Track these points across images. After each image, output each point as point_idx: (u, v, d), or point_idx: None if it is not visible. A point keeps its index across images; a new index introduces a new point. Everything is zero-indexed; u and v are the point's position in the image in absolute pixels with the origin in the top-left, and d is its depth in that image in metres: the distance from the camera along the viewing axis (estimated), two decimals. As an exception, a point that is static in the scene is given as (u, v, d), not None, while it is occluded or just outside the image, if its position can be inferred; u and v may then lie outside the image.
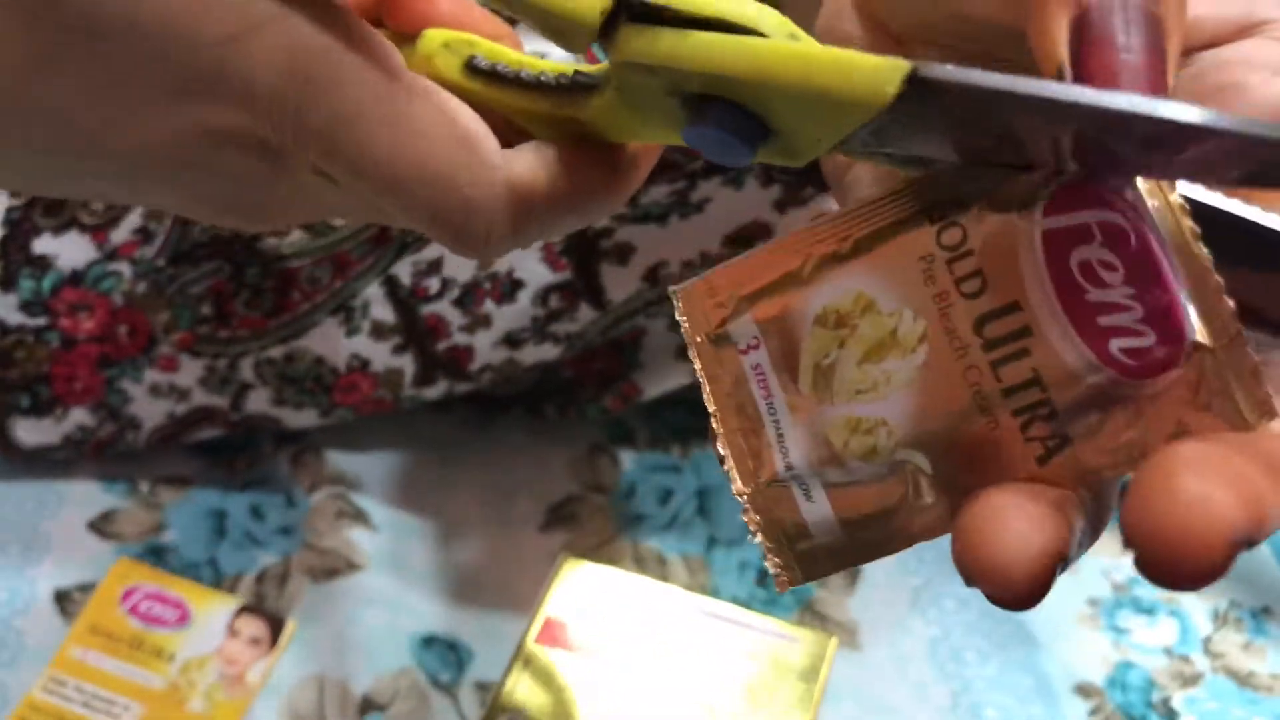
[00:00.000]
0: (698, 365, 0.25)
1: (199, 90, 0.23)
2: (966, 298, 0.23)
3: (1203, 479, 0.19)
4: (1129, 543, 0.20)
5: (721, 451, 0.25)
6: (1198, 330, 0.22)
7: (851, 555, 0.24)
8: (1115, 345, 0.22)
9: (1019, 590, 0.21)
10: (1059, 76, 0.23)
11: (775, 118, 0.23)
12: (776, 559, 0.25)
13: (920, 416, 0.23)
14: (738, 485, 0.25)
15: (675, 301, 0.26)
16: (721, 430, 0.25)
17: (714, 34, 0.23)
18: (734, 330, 0.25)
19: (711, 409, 0.25)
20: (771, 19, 0.23)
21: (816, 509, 0.24)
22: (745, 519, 0.25)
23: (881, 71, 0.21)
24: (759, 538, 0.25)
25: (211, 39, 0.22)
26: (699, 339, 0.26)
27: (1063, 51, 0.23)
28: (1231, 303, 0.21)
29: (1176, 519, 0.19)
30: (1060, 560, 0.21)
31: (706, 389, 0.25)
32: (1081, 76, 0.23)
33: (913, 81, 0.21)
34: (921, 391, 0.23)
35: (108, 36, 0.22)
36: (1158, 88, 0.22)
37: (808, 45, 0.23)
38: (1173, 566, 0.19)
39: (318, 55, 0.23)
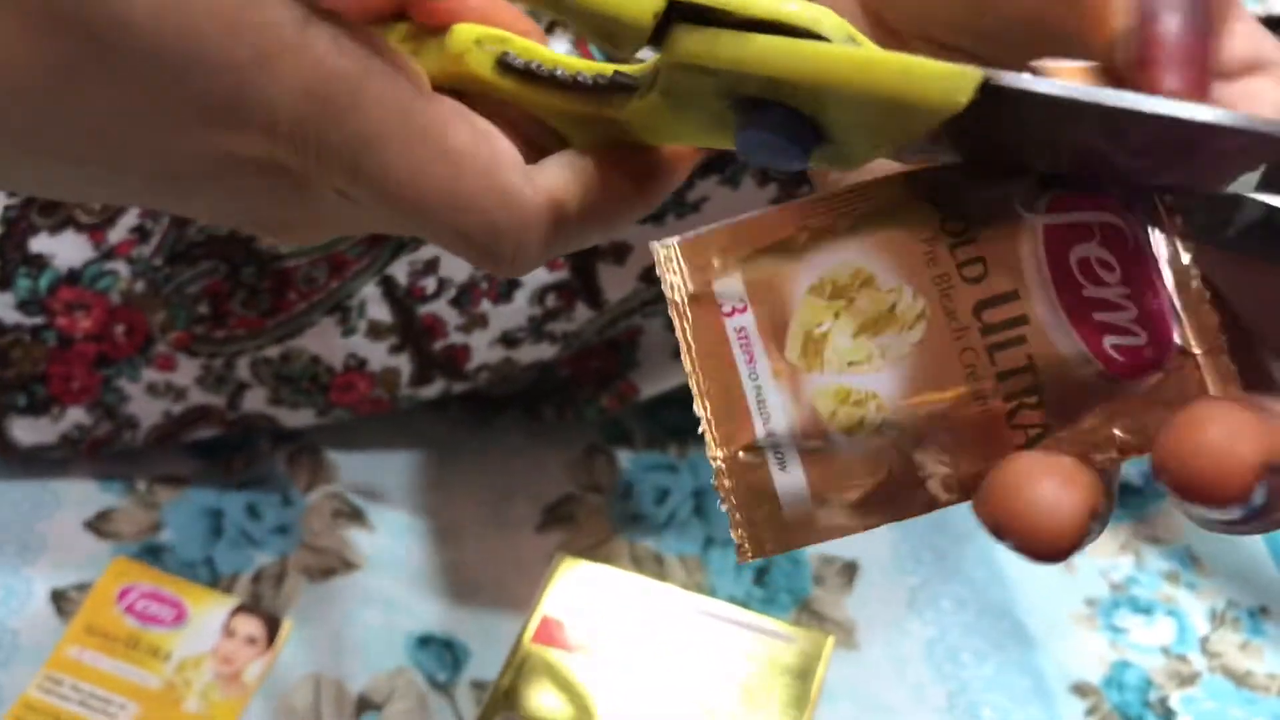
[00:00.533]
0: (677, 325, 0.25)
1: (220, 114, 0.23)
2: (967, 282, 0.23)
3: (1227, 423, 0.21)
4: (1160, 477, 0.21)
5: (698, 414, 0.24)
6: (1183, 337, 0.22)
7: (820, 532, 0.24)
8: (1108, 341, 0.23)
9: (1057, 542, 0.21)
10: (1110, 47, 0.22)
11: (831, 123, 0.23)
12: (742, 530, 0.24)
13: (911, 393, 0.23)
14: (712, 450, 0.24)
15: (658, 255, 0.25)
16: (699, 393, 0.24)
17: (777, 37, 0.23)
18: (720, 290, 0.25)
19: (689, 369, 0.25)
20: (829, 20, 0.23)
21: (791, 481, 0.24)
22: (715, 484, 0.24)
23: (953, 79, 0.22)
24: (726, 505, 0.24)
25: (232, 63, 0.22)
26: (678, 298, 0.25)
27: (1120, 20, 0.22)
28: (1216, 315, 0.22)
29: (1205, 461, 0.20)
30: (1094, 514, 0.22)
31: (685, 349, 0.25)
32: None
33: (985, 90, 0.21)
34: (916, 368, 0.23)
35: (131, 57, 0.22)
36: (1199, 73, 0.22)
37: (873, 50, 0.23)
38: (1206, 502, 0.21)
39: (339, 78, 0.23)
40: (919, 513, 0.24)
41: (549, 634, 0.40)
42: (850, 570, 0.56)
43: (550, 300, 0.52)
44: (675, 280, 0.25)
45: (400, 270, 0.52)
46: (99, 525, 0.55)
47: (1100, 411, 0.23)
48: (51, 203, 0.51)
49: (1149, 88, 0.22)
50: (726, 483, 0.24)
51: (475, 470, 0.59)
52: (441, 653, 0.52)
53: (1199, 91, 0.22)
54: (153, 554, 0.54)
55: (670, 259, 0.25)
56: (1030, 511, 0.22)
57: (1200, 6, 0.23)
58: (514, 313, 0.52)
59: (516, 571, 0.55)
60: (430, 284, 0.52)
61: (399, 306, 0.52)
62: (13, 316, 0.52)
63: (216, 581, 0.54)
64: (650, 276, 0.52)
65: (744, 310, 0.24)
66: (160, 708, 0.49)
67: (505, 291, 0.52)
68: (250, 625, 0.52)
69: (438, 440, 0.59)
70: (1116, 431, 0.23)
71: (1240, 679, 0.53)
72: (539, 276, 0.51)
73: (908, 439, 0.24)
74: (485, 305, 0.52)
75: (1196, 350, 0.22)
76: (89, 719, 0.48)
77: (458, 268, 0.51)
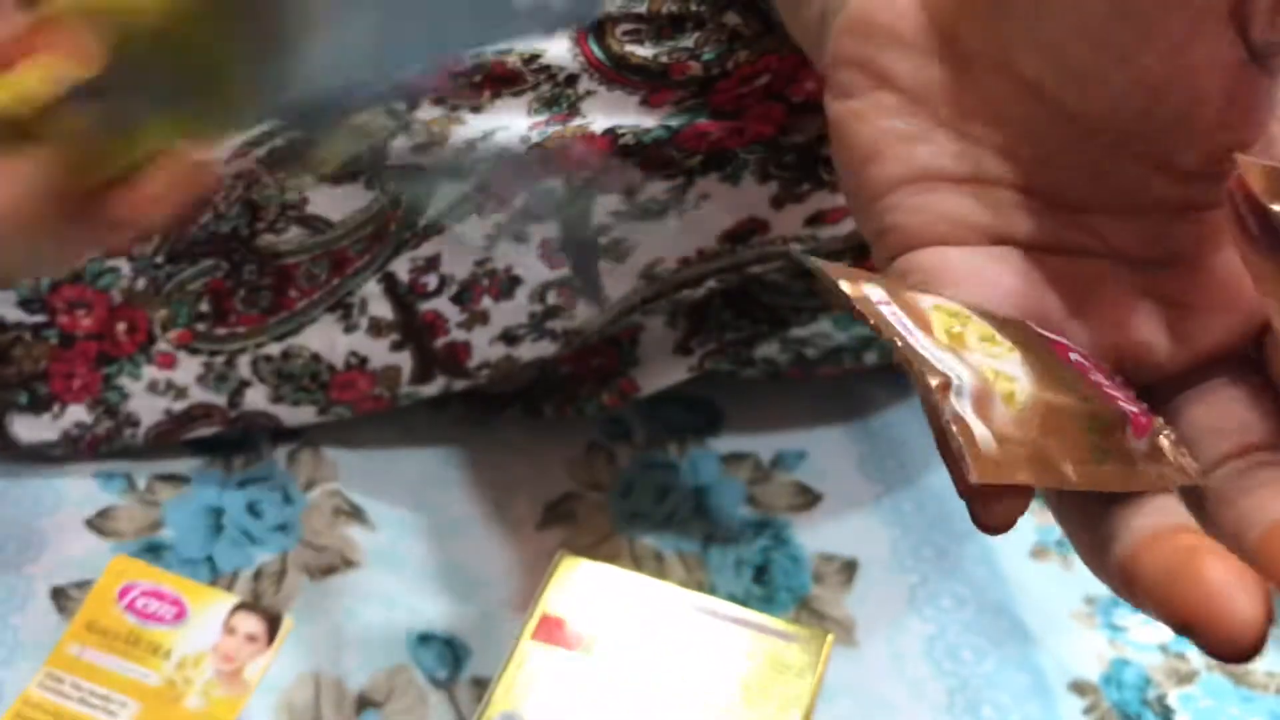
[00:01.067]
0: (855, 300, 0.27)
1: None
2: (1033, 353, 0.28)
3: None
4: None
5: (902, 360, 0.27)
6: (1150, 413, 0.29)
7: (1017, 472, 0.26)
8: (1122, 406, 0.28)
9: (1256, 649, 0.23)
10: None
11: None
12: (964, 450, 0.26)
13: (1037, 388, 0.27)
14: (924, 381, 0.26)
15: (817, 266, 0.28)
16: (896, 342, 0.27)
17: None
18: (867, 290, 0.27)
19: (879, 330, 0.27)
20: None
21: (979, 424, 0.26)
22: (936, 409, 0.26)
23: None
24: (949, 428, 0.26)
25: None
26: (847, 284, 0.28)
27: None
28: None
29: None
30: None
31: (867, 319, 0.27)
32: None
33: None
34: (1032, 372, 0.27)
35: None
36: None
37: None
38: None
39: None
40: (1063, 486, 0.26)
41: (549, 632, 0.40)
42: (850, 568, 0.56)
43: (551, 297, 0.52)
44: (835, 281, 0.28)
45: (401, 267, 0.52)
46: (99, 523, 0.55)
47: (1131, 451, 0.27)
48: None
49: None
50: (943, 406, 0.26)
51: (475, 468, 0.59)
52: (442, 650, 0.52)
53: None
54: (153, 552, 0.54)
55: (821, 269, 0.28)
56: (1236, 623, 0.23)
57: None
58: (515, 310, 0.52)
59: (517, 569, 0.55)
60: (432, 281, 0.52)
61: (400, 303, 0.52)
62: (14, 314, 0.52)
63: (217, 579, 0.54)
64: (650, 274, 0.52)
65: (889, 304, 0.27)
66: (161, 705, 0.49)
67: (506, 289, 0.52)
68: (250, 623, 0.52)
69: (438, 438, 0.59)
70: (1144, 465, 0.27)
71: (1238, 677, 0.53)
72: (540, 273, 0.52)
73: (1041, 421, 0.27)
74: (486, 302, 0.52)
75: (1159, 424, 0.28)
76: (90, 716, 0.48)
77: (459, 265, 0.51)
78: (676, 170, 0.49)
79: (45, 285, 0.52)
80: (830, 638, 0.41)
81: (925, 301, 0.28)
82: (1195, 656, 0.53)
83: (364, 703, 0.50)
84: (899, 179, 0.30)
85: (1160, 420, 0.28)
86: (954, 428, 0.25)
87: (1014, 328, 0.28)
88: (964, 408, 0.26)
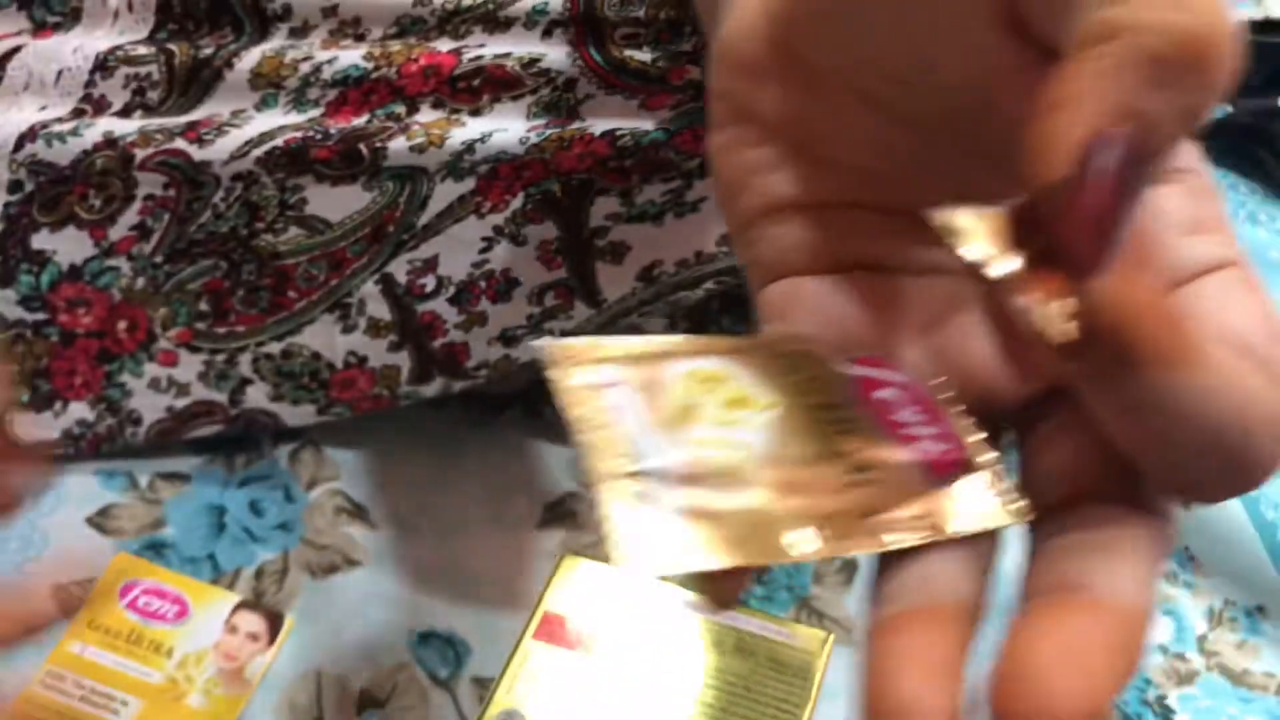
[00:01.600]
0: (559, 396, 0.26)
1: None
2: (806, 394, 0.27)
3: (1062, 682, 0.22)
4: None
5: (581, 443, 0.26)
6: (969, 451, 0.26)
7: (689, 558, 0.25)
8: (922, 446, 0.26)
9: None
10: (1050, 193, 0.21)
11: None
12: (615, 540, 0.25)
13: (777, 449, 0.26)
14: (594, 473, 0.25)
15: (543, 353, 0.27)
16: (580, 432, 0.26)
17: None
18: (597, 372, 0.27)
19: (567, 417, 0.26)
20: None
21: (665, 509, 0.25)
22: (597, 501, 0.25)
23: None
24: (604, 522, 0.25)
25: None
26: (560, 378, 0.27)
27: (1067, 166, 0.21)
28: (983, 433, 0.27)
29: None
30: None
31: (564, 406, 0.26)
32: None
33: None
34: (777, 434, 0.26)
35: None
36: (1102, 252, 0.21)
37: None
38: None
39: None
40: (778, 560, 0.25)
41: (550, 631, 0.40)
42: (850, 568, 0.56)
43: (549, 299, 0.52)
44: (558, 367, 0.27)
45: (399, 268, 0.52)
46: (101, 521, 0.56)
47: (916, 501, 0.26)
48: (53, 199, 0.51)
49: (1059, 247, 0.22)
50: (605, 498, 0.25)
51: (476, 468, 0.59)
52: (443, 649, 0.52)
53: (1095, 269, 0.21)
54: (155, 550, 0.55)
55: (551, 354, 0.27)
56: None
57: (1136, 180, 0.21)
58: (513, 311, 0.53)
59: (517, 568, 0.55)
60: (429, 282, 0.52)
61: (398, 304, 0.52)
62: (15, 312, 0.53)
63: (219, 578, 0.54)
64: (648, 276, 0.52)
65: (617, 385, 0.27)
66: (162, 703, 0.49)
67: (504, 290, 0.52)
68: (252, 621, 0.52)
69: (439, 438, 0.60)
70: (926, 517, 0.26)
71: (1237, 678, 0.53)
72: (538, 275, 0.52)
73: (773, 488, 0.25)
74: (484, 304, 0.52)
75: (980, 461, 0.26)
76: (91, 715, 0.48)
77: (457, 265, 0.52)
78: (675, 173, 0.49)
79: (45, 283, 0.52)
80: (830, 638, 0.42)
81: (677, 369, 0.27)
82: (1195, 657, 0.53)
83: (365, 701, 0.50)
84: (757, 210, 0.30)
85: (987, 459, 0.26)
86: (607, 521, 0.25)
87: (805, 372, 0.27)
88: (657, 492, 0.25)
